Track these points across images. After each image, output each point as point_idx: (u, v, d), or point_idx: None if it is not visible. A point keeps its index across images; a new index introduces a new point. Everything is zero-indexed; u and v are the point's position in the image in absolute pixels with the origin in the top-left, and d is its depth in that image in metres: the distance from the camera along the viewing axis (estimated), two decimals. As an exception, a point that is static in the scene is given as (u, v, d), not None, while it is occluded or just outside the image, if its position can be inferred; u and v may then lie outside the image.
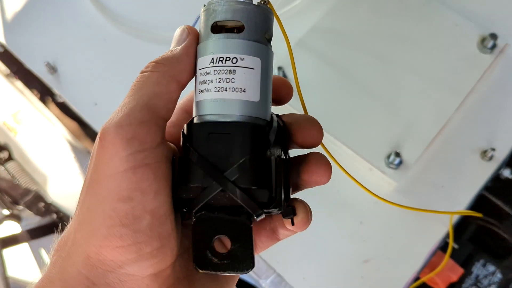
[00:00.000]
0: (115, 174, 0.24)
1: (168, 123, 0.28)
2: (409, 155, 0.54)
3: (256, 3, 0.28)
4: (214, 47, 0.27)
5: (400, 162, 0.53)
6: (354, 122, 0.56)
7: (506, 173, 0.61)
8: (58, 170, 0.72)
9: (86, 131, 0.69)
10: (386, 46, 0.60)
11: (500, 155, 0.56)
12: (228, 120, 0.26)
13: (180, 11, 0.70)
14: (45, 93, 0.71)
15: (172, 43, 0.29)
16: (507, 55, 0.60)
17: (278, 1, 0.64)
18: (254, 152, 0.26)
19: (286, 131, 0.29)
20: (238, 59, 0.27)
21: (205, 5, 0.28)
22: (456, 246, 0.58)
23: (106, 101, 0.65)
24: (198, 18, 0.31)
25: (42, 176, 0.72)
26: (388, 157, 0.54)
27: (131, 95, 0.26)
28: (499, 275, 0.65)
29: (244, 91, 0.27)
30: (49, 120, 0.73)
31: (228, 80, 0.26)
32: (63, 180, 0.72)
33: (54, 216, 0.76)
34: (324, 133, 0.55)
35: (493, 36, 0.58)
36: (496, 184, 0.59)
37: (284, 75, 0.59)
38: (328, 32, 0.61)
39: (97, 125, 0.64)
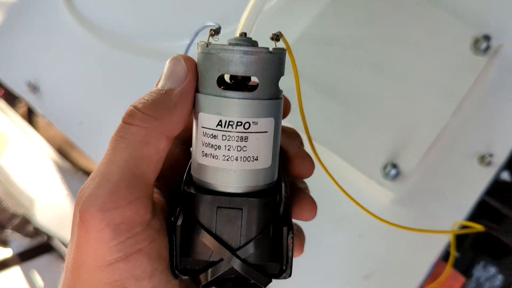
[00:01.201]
0: (104, 266, 0.21)
1: None
2: (406, 165, 0.52)
3: (271, 49, 0.24)
4: (223, 107, 0.23)
5: (397, 173, 0.52)
6: (349, 133, 0.55)
7: (504, 176, 0.60)
8: (45, 192, 0.70)
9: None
10: (378, 52, 0.59)
11: (499, 160, 0.55)
12: (239, 191, 0.24)
13: (165, 21, 0.68)
14: (30, 112, 0.69)
15: (163, 77, 0.24)
16: (502, 56, 0.58)
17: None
18: (266, 228, 0.24)
19: (285, 164, 0.28)
20: (251, 123, 0.23)
21: (207, 44, 0.24)
22: (457, 255, 0.56)
23: (92, 120, 0.63)
24: (191, 43, 0.28)
25: (29, 199, 0.70)
26: (385, 168, 0.52)
27: (112, 158, 0.22)
28: (500, 277, 0.65)
29: (257, 159, 0.24)
30: (34, 140, 0.71)
31: (239, 148, 0.23)
32: (50, 202, 0.70)
33: (45, 237, 0.74)
34: (319, 146, 0.53)
35: (486, 38, 0.56)
36: (494, 187, 0.58)
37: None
38: (317, 41, 0.59)
39: (83, 145, 0.62)
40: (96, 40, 0.67)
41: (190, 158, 0.27)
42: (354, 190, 0.54)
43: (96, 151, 0.61)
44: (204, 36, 0.26)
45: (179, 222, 0.24)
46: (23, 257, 0.75)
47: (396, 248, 0.53)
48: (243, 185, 0.24)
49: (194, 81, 0.24)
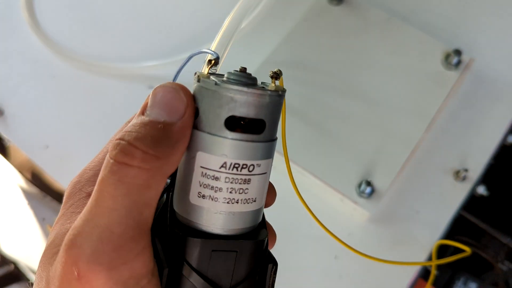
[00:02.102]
0: None
1: None
2: (380, 182, 0.51)
3: (278, 92, 0.23)
4: (229, 149, 0.22)
5: (372, 191, 0.51)
6: (322, 152, 0.54)
7: (480, 190, 0.60)
8: (11, 219, 0.67)
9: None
10: (348, 71, 0.58)
11: (474, 174, 0.55)
12: (232, 234, 0.23)
13: (132, 41, 0.67)
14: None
15: (155, 106, 0.21)
16: (473, 70, 0.58)
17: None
18: (256, 267, 0.23)
19: None
20: (255, 166, 0.22)
21: (216, 82, 0.22)
22: (436, 273, 0.55)
23: (58, 143, 0.61)
24: (181, 68, 0.26)
25: (-6, 227, 0.68)
26: (359, 186, 0.51)
27: (112, 207, 0.19)
28: (481, 292, 0.64)
29: (255, 201, 0.23)
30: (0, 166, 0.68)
31: (241, 191, 0.22)
32: (16, 229, 0.67)
33: (12, 266, 0.71)
34: (293, 165, 0.52)
35: (457, 52, 0.56)
36: (471, 202, 0.58)
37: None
38: (287, 61, 0.59)
39: (49, 169, 0.60)
40: (61, 62, 0.65)
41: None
42: (330, 209, 0.53)
43: (63, 175, 0.59)
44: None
45: (167, 267, 0.22)
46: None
47: (373, 269, 0.52)
48: (239, 228, 0.23)
49: (193, 116, 0.22)
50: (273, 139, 0.23)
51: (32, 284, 0.23)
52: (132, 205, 0.19)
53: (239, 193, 0.22)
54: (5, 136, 0.63)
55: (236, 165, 0.22)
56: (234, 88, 0.21)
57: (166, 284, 0.22)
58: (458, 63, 0.57)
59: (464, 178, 0.54)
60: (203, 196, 0.22)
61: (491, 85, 0.59)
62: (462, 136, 0.57)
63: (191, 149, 0.23)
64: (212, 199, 0.22)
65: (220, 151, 0.22)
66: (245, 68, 0.23)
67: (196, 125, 0.22)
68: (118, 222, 0.19)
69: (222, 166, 0.22)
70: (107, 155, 0.20)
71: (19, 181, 0.68)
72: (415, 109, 0.55)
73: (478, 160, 0.55)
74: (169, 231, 0.23)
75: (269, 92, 0.22)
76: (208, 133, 0.22)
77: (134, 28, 0.68)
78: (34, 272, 0.71)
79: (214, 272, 0.22)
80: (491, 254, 0.62)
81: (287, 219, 0.52)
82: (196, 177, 0.22)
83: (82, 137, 0.60)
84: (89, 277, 0.19)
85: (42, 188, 0.67)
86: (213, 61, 0.24)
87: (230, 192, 0.22)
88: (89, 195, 0.23)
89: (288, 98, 0.56)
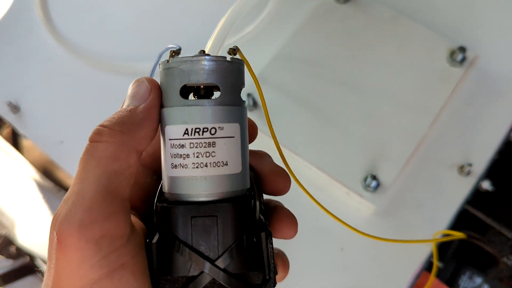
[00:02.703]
0: (89, 285, 0.21)
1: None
2: (385, 176, 0.52)
3: (229, 59, 0.24)
4: (187, 116, 0.23)
5: (377, 185, 0.52)
6: (328, 146, 0.55)
7: (485, 185, 0.61)
8: (27, 213, 0.70)
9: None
10: (355, 67, 0.59)
11: (478, 169, 0.56)
12: (211, 199, 0.24)
13: (143, 41, 0.68)
14: (15, 133, 0.69)
15: (127, 98, 0.25)
16: (478, 67, 0.59)
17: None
18: (243, 233, 0.24)
19: (257, 180, 0.28)
20: (217, 129, 0.24)
21: (167, 60, 0.24)
22: (440, 265, 0.56)
23: (72, 139, 0.63)
24: (156, 64, 0.28)
25: (10, 220, 0.70)
26: (365, 180, 0.52)
27: (84, 177, 0.22)
28: (486, 287, 0.65)
29: (226, 164, 0.24)
30: (16, 160, 0.70)
31: (208, 154, 0.23)
32: (32, 222, 0.69)
33: (27, 258, 0.73)
34: (300, 158, 0.53)
35: (462, 49, 0.57)
36: (476, 196, 0.59)
37: (254, 102, 0.57)
38: (294, 58, 0.60)
39: (64, 164, 0.62)
40: (75, 60, 0.67)
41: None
42: (335, 202, 0.54)
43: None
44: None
45: (154, 240, 0.24)
46: (6, 279, 0.74)
47: (378, 260, 0.53)
48: (215, 192, 0.24)
49: (158, 98, 0.25)
50: (235, 105, 0.24)
51: (43, 273, 0.25)
52: (101, 174, 0.22)
53: (206, 156, 0.23)
54: (22, 132, 0.65)
55: (197, 129, 0.23)
56: (181, 59, 0.24)
57: (159, 258, 0.23)
58: (463, 59, 0.57)
59: (468, 173, 0.55)
60: (175, 166, 0.24)
61: (495, 81, 0.59)
62: (467, 131, 0.57)
63: (163, 129, 0.25)
64: (182, 167, 0.24)
65: (181, 120, 0.24)
66: (203, 51, 0.25)
67: (162, 105, 0.25)
68: (89, 189, 0.21)
69: (185, 133, 0.24)
70: None
71: (34, 176, 0.70)
72: (420, 105, 0.56)
73: (483, 155, 0.56)
74: (155, 209, 0.25)
75: (215, 57, 0.24)
76: (169, 106, 0.24)
77: (145, 27, 0.69)
78: (48, 265, 0.73)
79: (197, 241, 0.23)
80: (496, 249, 0.63)
81: (293, 211, 0.53)
82: (168, 150, 0.24)
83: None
84: (64, 237, 0.20)
85: (57, 183, 0.69)
86: (174, 52, 0.26)
87: (197, 157, 0.23)
88: None
89: (295, 92, 0.57)
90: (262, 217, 0.26)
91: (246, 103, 0.56)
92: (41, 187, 0.68)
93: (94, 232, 0.21)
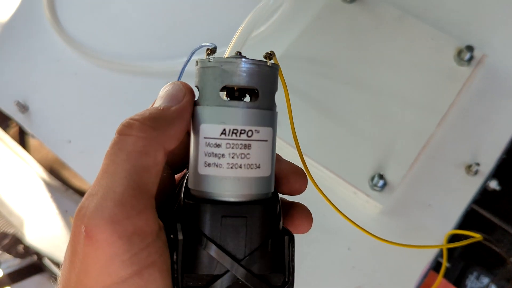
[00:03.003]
0: (118, 284, 0.20)
1: None
2: (393, 176, 0.52)
3: (270, 64, 0.25)
4: (227, 116, 0.24)
5: (385, 184, 0.52)
6: (336, 146, 0.55)
7: (492, 184, 0.60)
8: (34, 211, 0.70)
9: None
10: (362, 66, 0.59)
11: (485, 169, 0.55)
12: (242, 200, 0.24)
13: (151, 40, 0.69)
14: (22, 132, 0.69)
15: (159, 98, 0.25)
16: (486, 66, 0.59)
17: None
18: (268, 236, 0.24)
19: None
20: (254, 132, 0.24)
21: (208, 59, 0.24)
22: (448, 265, 0.56)
23: (80, 138, 0.63)
24: (187, 61, 0.28)
25: (19, 219, 0.70)
26: (372, 179, 0.52)
27: (113, 171, 0.21)
28: (493, 287, 0.64)
29: (259, 167, 0.24)
30: (23, 159, 0.71)
31: (243, 155, 0.24)
32: (39, 221, 0.70)
33: (35, 257, 0.73)
34: (307, 158, 0.54)
35: (469, 48, 0.57)
36: (483, 196, 0.58)
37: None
38: (301, 57, 0.60)
39: (72, 163, 0.62)
40: (83, 59, 0.67)
41: (175, 182, 0.27)
42: (342, 202, 0.54)
43: (84, 168, 0.61)
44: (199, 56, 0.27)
45: (180, 237, 0.23)
46: (14, 278, 0.75)
47: (385, 260, 0.53)
48: (245, 193, 0.24)
49: (192, 101, 0.25)
50: (270, 109, 0.25)
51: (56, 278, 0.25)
52: (131, 168, 0.21)
53: (241, 158, 0.24)
54: (30, 131, 0.65)
55: (235, 131, 0.24)
56: (224, 60, 0.24)
57: (182, 255, 0.23)
58: (471, 59, 0.57)
59: (476, 172, 0.55)
60: (209, 165, 0.24)
61: (503, 80, 0.59)
62: (474, 131, 0.57)
63: (196, 126, 0.25)
64: (217, 166, 0.24)
65: (219, 120, 0.24)
66: (240, 52, 0.25)
67: (198, 103, 0.25)
68: (119, 182, 0.21)
69: (222, 133, 0.24)
70: None
71: (41, 175, 0.70)
72: (427, 104, 0.56)
73: (490, 154, 0.56)
74: (183, 205, 0.25)
75: (258, 62, 0.24)
76: (207, 105, 0.24)
77: (152, 27, 0.70)
78: (56, 264, 0.73)
79: (225, 240, 0.23)
80: (504, 249, 0.63)
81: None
82: (202, 148, 0.24)
83: (103, 132, 0.62)
84: (94, 231, 0.20)
85: (65, 182, 0.69)
86: (209, 50, 0.26)
87: (232, 157, 0.24)
88: None
89: (302, 91, 0.57)
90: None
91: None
92: (49, 186, 0.69)
93: (126, 228, 0.20)
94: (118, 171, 0.21)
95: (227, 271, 0.23)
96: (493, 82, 0.59)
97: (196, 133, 0.25)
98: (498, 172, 0.58)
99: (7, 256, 0.73)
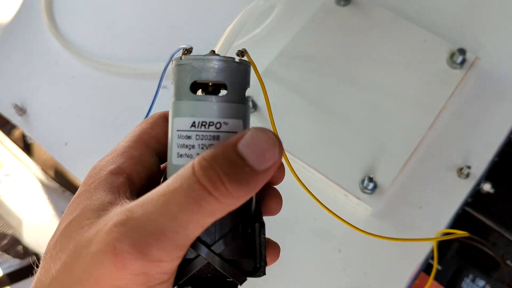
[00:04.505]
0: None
1: (130, 159, 0.26)
2: (383, 178, 0.53)
3: (238, 60, 0.26)
4: (196, 109, 0.25)
5: (375, 186, 0.52)
6: (326, 148, 0.55)
7: (486, 187, 0.60)
8: (32, 212, 0.71)
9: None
10: (354, 68, 0.60)
11: (477, 172, 0.56)
12: None
13: (147, 43, 0.69)
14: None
15: (253, 148, 0.22)
16: (478, 68, 0.59)
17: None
18: (238, 222, 0.25)
19: None
20: (222, 124, 0.25)
21: (181, 57, 0.26)
22: (440, 268, 0.56)
23: (77, 140, 0.64)
24: (167, 65, 0.29)
25: (17, 220, 0.71)
26: (363, 182, 0.52)
27: (179, 217, 0.21)
28: (489, 290, 0.64)
29: None
30: (21, 160, 0.72)
31: (212, 146, 0.25)
32: (37, 222, 0.70)
33: (34, 258, 0.74)
34: (298, 160, 0.54)
35: (462, 51, 0.57)
36: (477, 198, 0.58)
37: (254, 105, 0.58)
38: (294, 59, 0.61)
39: (68, 165, 0.63)
40: (79, 63, 0.68)
41: (161, 169, 0.29)
42: (333, 204, 0.54)
43: (81, 170, 0.62)
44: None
45: None
46: (13, 278, 0.76)
47: (376, 262, 0.53)
48: None
49: (273, 172, 0.23)
50: (239, 103, 0.26)
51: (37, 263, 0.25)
52: (194, 224, 0.22)
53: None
54: (27, 133, 0.66)
55: (204, 123, 0.25)
56: (193, 57, 0.25)
57: None
58: (463, 61, 0.57)
59: (467, 175, 0.55)
60: (181, 156, 0.25)
61: (495, 83, 0.59)
62: (466, 133, 0.57)
63: (170, 120, 0.26)
64: (187, 156, 0.25)
65: (189, 113, 0.25)
66: (213, 51, 0.27)
67: (172, 99, 0.26)
68: (177, 231, 0.21)
69: (192, 125, 0.25)
70: (193, 167, 0.22)
71: (39, 177, 0.71)
72: (419, 107, 0.56)
73: (482, 157, 0.56)
74: None
75: (225, 58, 0.25)
76: (179, 100, 0.26)
77: (147, 30, 0.70)
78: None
79: None
80: (500, 252, 0.63)
81: (291, 213, 0.54)
82: (175, 140, 0.26)
83: (99, 134, 0.63)
84: (126, 259, 0.21)
85: (63, 184, 0.70)
86: (185, 50, 0.27)
87: (202, 148, 0.25)
88: (111, 173, 0.26)
89: (294, 94, 0.58)
90: (256, 206, 0.27)
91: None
92: (46, 188, 0.70)
93: (153, 269, 0.22)
94: (181, 222, 0.22)
95: (198, 255, 0.24)
96: (485, 85, 0.59)
97: (171, 126, 0.26)
98: (492, 174, 0.58)
99: (6, 256, 0.74)
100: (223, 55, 0.26)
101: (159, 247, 0.21)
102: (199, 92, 0.27)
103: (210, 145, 0.25)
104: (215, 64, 0.25)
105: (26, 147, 0.75)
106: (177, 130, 0.25)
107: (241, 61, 0.26)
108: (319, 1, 0.64)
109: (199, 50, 0.28)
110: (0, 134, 0.72)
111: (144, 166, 0.27)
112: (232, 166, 0.22)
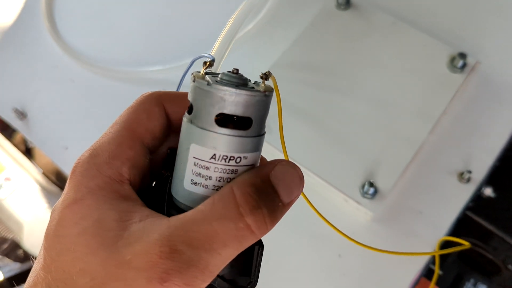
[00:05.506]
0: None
1: (127, 162, 0.25)
2: (384, 183, 0.53)
3: (267, 94, 0.25)
4: (218, 143, 0.24)
5: (375, 191, 0.52)
6: (326, 152, 0.55)
7: (487, 192, 0.60)
8: (32, 216, 0.71)
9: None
10: (355, 73, 0.59)
11: (478, 176, 0.55)
12: None
13: (147, 47, 0.69)
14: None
15: (284, 182, 0.25)
16: (479, 73, 0.59)
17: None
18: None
19: None
20: (242, 158, 0.25)
21: (203, 75, 0.25)
22: (440, 273, 0.56)
23: (77, 145, 0.64)
24: (186, 72, 0.28)
25: (18, 224, 0.71)
26: (363, 187, 0.52)
27: (216, 251, 0.22)
28: (491, 294, 0.64)
29: None
30: (21, 164, 0.72)
31: (229, 179, 0.25)
32: (37, 227, 0.71)
33: (35, 261, 0.74)
34: (297, 164, 0.54)
35: (462, 55, 0.57)
36: (478, 203, 0.58)
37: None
38: (294, 63, 0.60)
39: (69, 170, 0.63)
40: (80, 67, 0.68)
41: (153, 166, 0.28)
42: (333, 208, 0.54)
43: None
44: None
45: None
46: (13, 282, 0.76)
47: (376, 267, 0.53)
48: None
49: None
50: (260, 135, 0.25)
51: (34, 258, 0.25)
52: (231, 256, 0.23)
53: (227, 181, 0.25)
54: (28, 138, 0.66)
55: (225, 157, 0.24)
56: (224, 89, 0.24)
57: None
58: (464, 66, 0.57)
59: (468, 180, 0.55)
60: (195, 183, 0.25)
61: (496, 88, 0.59)
62: (467, 138, 0.57)
63: (185, 140, 0.25)
64: (203, 186, 0.25)
65: (211, 144, 0.24)
66: (237, 70, 0.25)
67: (190, 120, 0.25)
68: (215, 264, 0.22)
69: (212, 158, 0.24)
70: (237, 202, 0.23)
71: (40, 181, 0.71)
72: (420, 111, 0.56)
73: (483, 162, 0.56)
74: (166, 213, 0.26)
75: (256, 93, 0.24)
76: (201, 128, 0.24)
77: (147, 35, 0.70)
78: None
79: None
80: (501, 257, 0.62)
81: (291, 218, 0.54)
82: (190, 166, 0.25)
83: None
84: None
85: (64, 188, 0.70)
86: (208, 63, 0.26)
87: (219, 181, 0.24)
88: (114, 180, 0.25)
89: (294, 99, 0.58)
90: None
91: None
92: (48, 192, 0.70)
93: None
94: (222, 255, 0.23)
95: None
96: (486, 89, 0.59)
97: (185, 148, 0.25)
98: (493, 179, 0.58)
99: (7, 260, 0.74)
100: (222, 62, 0.26)
101: (202, 278, 0.22)
102: (220, 121, 0.25)
103: (228, 178, 0.24)
104: (245, 99, 0.24)
105: (27, 151, 0.75)
106: (194, 158, 0.25)
107: (269, 94, 0.25)
108: (319, 5, 0.64)
109: (199, 51, 0.27)
110: (1, 138, 0.72)
111: (139, 170, 0.27)
112: (272, 203, 0.23)
